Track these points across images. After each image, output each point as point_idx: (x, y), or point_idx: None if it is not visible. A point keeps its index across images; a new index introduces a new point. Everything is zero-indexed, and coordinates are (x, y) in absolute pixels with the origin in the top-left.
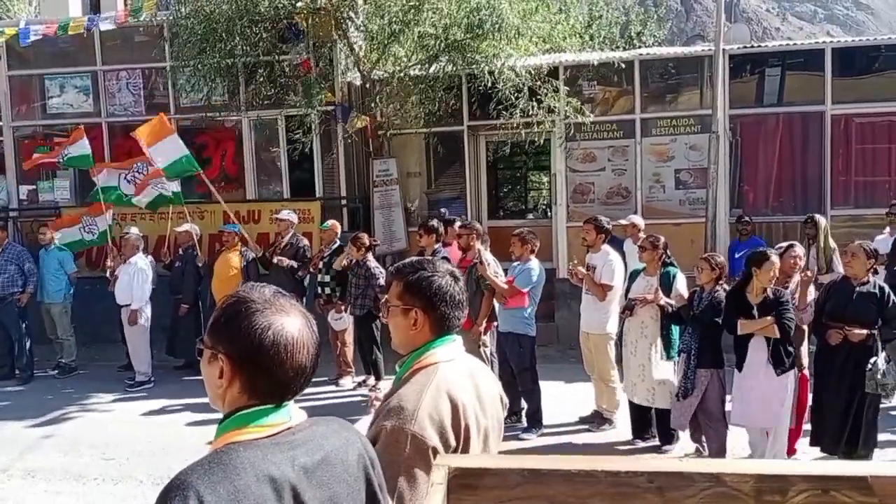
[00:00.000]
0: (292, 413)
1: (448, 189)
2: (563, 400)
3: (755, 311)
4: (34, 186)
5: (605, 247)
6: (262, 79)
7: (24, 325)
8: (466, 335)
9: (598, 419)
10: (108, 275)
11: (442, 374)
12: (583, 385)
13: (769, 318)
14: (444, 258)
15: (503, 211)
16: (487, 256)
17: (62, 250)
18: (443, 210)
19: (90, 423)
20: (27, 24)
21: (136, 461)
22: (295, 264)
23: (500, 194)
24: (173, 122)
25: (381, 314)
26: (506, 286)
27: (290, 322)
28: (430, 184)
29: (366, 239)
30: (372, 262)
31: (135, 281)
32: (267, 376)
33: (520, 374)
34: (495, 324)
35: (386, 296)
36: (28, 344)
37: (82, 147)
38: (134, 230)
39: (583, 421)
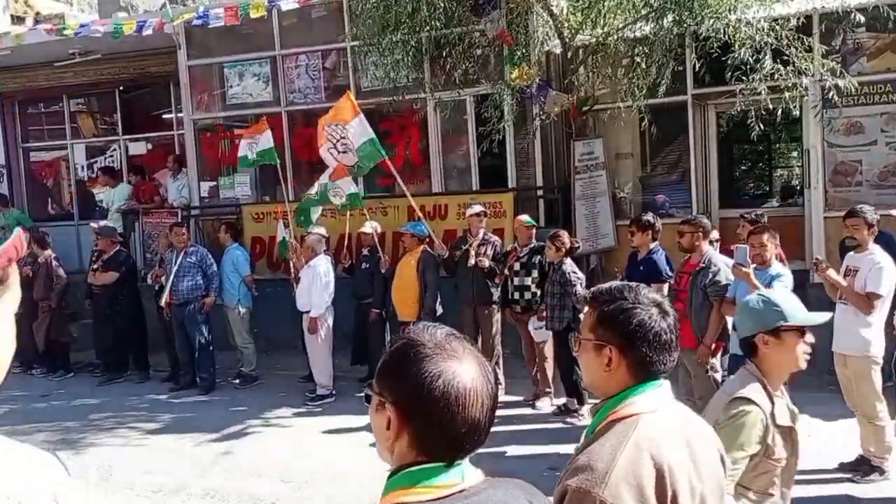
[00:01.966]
0: (465, 473)
1: (668, 172)
2: (818, 439)
3: None
4: (215, 183)
5: (873, 245)
6: (450, 55)
7: (206, 331)
8: (690, 356)
9: (864, 467)
10: (292, 278)
11: (643, 429)
12: (845, 422)
13: None
14: (659, 259)
15: (739, 197)
16: (744, 255)
17: (238, 251)
18: (661, 197)
19: (270, 439)
20: (206, 9)
21: (315, 485)
22: (496, 267)
23: (735, 176)
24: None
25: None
26: None
27: (462, 370)
28: (644, 166)
29: (566, 238)
30: (569, 265)
31: (314, 286)
32: (437, 431)
33: None
34: (726, 343)
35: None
36: (210, 351)
37: (266, 141)
38: (318, 230)
39: (844, 468)
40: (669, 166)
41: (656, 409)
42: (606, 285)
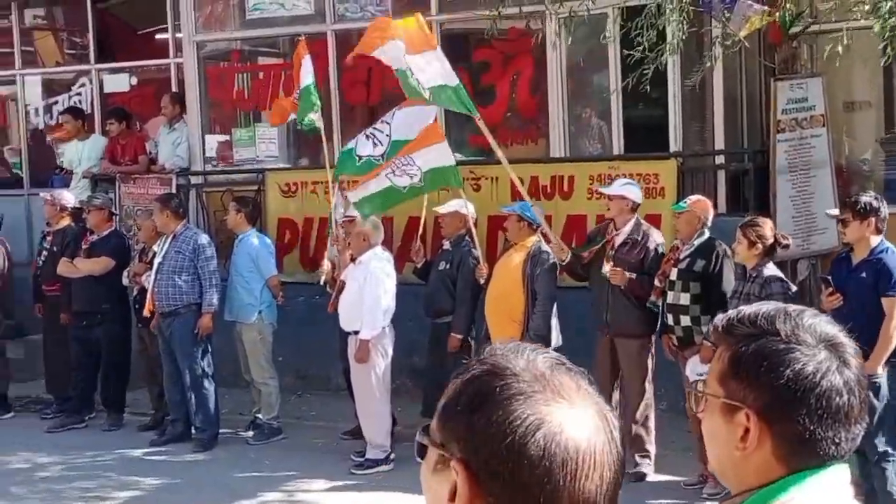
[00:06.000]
0: None
1: None
2: None
3: None
4: (227, 137)
5: None
6: None
7: (204, 360)
8: None
9: None
10: (322, 282)
11: None
12: None
13: None
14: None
15: None
16: None
17: (258, 240)
18: None
19: None
20: None
21: None
22: (633, 276)
23: None
24: (433, 29)
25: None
26: None
27: (573, 418)
28: (890, 123)
29: (767, 229)
30: (770, 269)
31: (366, 294)
32: None
33: None
34: None
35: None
36: (211, 389)
37: (305, 74)
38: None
39: None
40: None
41: None
42: (750, 309)
